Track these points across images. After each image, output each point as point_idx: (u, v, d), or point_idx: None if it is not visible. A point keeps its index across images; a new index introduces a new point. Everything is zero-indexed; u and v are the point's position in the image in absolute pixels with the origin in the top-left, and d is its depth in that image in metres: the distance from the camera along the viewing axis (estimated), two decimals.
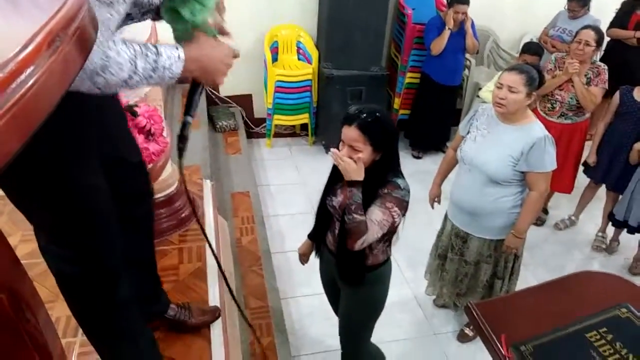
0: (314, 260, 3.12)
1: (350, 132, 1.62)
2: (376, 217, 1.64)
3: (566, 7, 3.93)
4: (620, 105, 3.10)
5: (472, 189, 2.29)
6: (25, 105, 0.31)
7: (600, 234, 3.53)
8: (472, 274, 2.52)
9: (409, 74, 4.28)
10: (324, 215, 1.88)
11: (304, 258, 2.17)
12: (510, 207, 2.27)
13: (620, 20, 4.08)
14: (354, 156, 1.62)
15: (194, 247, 2.17)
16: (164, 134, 1.95)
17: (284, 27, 4.21)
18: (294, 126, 4.60)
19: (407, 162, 4.25)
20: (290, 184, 4.00)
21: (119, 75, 0.92)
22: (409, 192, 1.71)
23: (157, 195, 2.06)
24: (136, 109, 1.83)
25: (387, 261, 1.89)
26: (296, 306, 2.90)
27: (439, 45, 3.81)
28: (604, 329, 1.25)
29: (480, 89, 4.34)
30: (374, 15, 3.89)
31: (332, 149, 1.64)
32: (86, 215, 1.15)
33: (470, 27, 3.87)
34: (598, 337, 1.23)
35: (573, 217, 3.71)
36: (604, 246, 3.50)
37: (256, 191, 3.65)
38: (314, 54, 4.15)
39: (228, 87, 4.30)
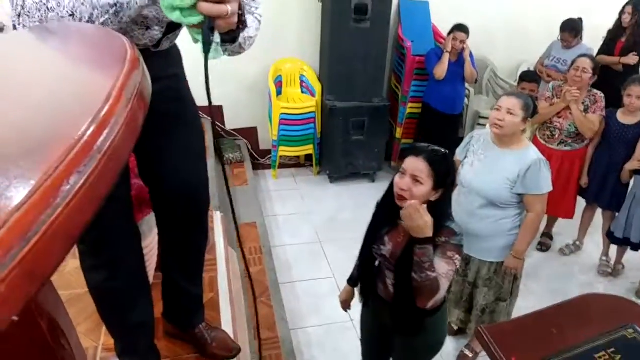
0: (321, 290, 3.17)
1: (416, 163, 1.60)
2: (442, 269, 1.57)
3: (559, 38, 4.06)
4: (605, 127, 3.21)
5: (471, 212, 2.35)
6: (113, 153, 0.37)
7: (604, 258, 3.55)
8: (471, 295, 2.57)
9: (410, 104, 4.38)
10: (370, 262, 1.81)
11: (345, 305, 2.09)
12: (509, 229, 2.33)
13: (607, 47, 4.23)
14: (413, 188, 1.59)
15: (206, 278, 2.21)
16: None
17: (287, 61, 4.34)
18: (298, 157, 4.68)
19: None
20: (297, 213, 4.05)
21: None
22: (463, 235, 1.66)
23: None
24: None
25: (444, 303, 1.82)
26: (305, 336, 2.91)
27: (441, 69, 3.92)
28: (612, 349, 1.28)
29: (481, 117, 4.45)
30: (375, 48, 4.01)
31: (410, 202, 1.54)
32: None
33: (468, 57, 3.99)
34: (607, 357, 1.26)
35: (578, 242, 3.74)
36: (609, 270, 3.52)
37: (263, 222, 3.70)
38: (317, 87, 4.27)
39: (234, 120, 4.42)
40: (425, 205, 1.55)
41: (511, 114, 2.19)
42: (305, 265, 3.43)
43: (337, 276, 3.30)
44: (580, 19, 4.03)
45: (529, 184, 2.20)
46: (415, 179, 1.59)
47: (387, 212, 1.73)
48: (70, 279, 1.97)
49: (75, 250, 1.82)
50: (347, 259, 3.33)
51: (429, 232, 1.54)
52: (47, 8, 0.87)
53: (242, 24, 1.08)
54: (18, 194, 0.30)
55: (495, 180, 2.25)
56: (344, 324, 2.88)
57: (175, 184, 1.43)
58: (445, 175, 1.62)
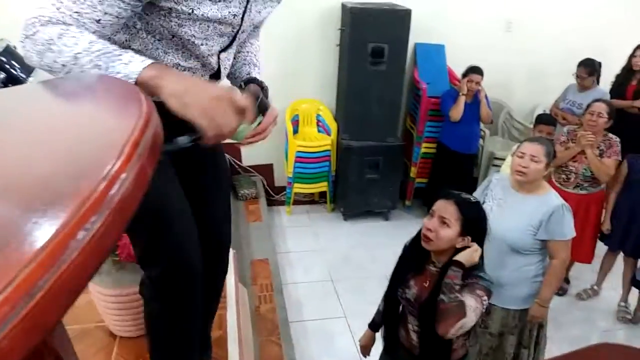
0: (332, 330, 3.13)
1: (446, 205, 1.63)
2: (470, 303, 1.55)
3: (574, 74, 4.08)
4: (629, 173, 3.18)
5: (493, 260, 2.28)
6: (120, 208, 0.39)
7: (622, 303, 3.46)
8: (497, 345, 2.48)
9: (424, 144, 4.41)
10: (394, 306, 1.79)
11: (365, 351, 2.04)
12: (533, 276, 2.29)
13: (617, 91, 4.23)
14: (440, 230, 1.61)
15: (215, 315, 2.20)
16: None
17: (304, 102, 4.44)
18: (313, 194, 4.71)
19: None
20: (309, 250, 4.04)
21: (72, 48, 0.90)
22: (492, 282, 1.65)
23: None
24: None
25: (467, 355, 1.79)
26: None
27: (457, 111, 3.97)
28: None
29: (496, 158, 4.45)
30: (390, 90, 4.08)
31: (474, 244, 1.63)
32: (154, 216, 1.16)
33: (484, 98, 4.04)
34: None
35: (595, 287, 3.65)
36: (629, 317, 3.42)
37: (275, 258, 3.70)
38: (333, 126, 4.33)
39: (250, 156, 4.50)
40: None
41: (535, 160, 2.18)
42: (317, 304, 3.40)
43: (348, 316, 3.26)
44: (599, 63, 4.05)
45: (552, 230, 2.17)
46: (443, 221, 1.61)
47: (415, 256, 1.73)
48: (80, 312, 1.98)
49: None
50: (359, 299, 3.32)
51: (470, 262, 1.59)
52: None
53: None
54: (27, 250, 0.32)
55: (517, 226, 2.22)
56: None
57: (209, 225, 1.45)
58: (473, 222, 1.63)
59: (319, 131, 4.51)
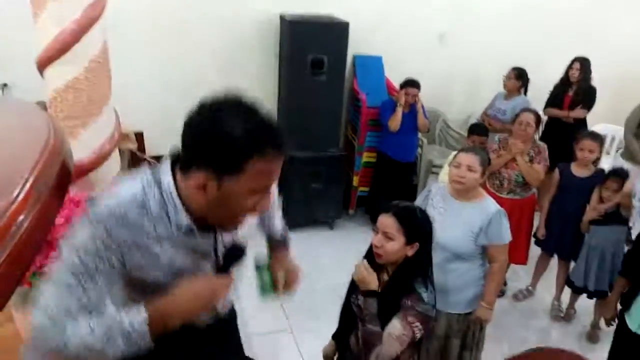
0: (278, 344, 3.08)
1: (385, 220, 1.68)
2: (396, 331, 1.59)
3: (504, 75, 4.28)
4: (560, 180, 3.35)
5: (437, 266, 2.34)
6: (17, 252, 0.35)
7: (555, 302, 3.64)
8: (442, 349, 2.54)
9: (365, 154, 4.47)
10: (349, 314, 1.82)
11: None
12: (476, 280, 2.37)
13: (554, 100, 4.49)
14: (385, 244, 1.65)
15: None
16: None
17: None
18: None
19: (370, 238, 4.31)
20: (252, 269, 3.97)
21: (80, 343, 1.00)
22: (433, 306, 1.67)
23: None
24: None
25: None
26: None
27: (395, 122, 4.07)
28: None
29: (434, 166, 4.58)
30: (331, 100, 4.12)
31: (357, 264, 1.71)
32: None
33: (420, 108, 4.16)
34: None
35: (530, 288, 3.82)
36: (561, 314, 3.59)
37: None
38: None
39: None
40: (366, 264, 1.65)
41: (471, 170, 2.27)
42: (262, 318, 3.33)
43: (294, 330, 3.23)
44: (528, 78, 4.27)
45: (491, 236, 2.27)
46: (386, 235, 1.66)
47: (370, 265, 1.77)
48: (5, 343, 1.86)
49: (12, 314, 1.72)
50: (305, 311, 3.29)
51: (371, 285, 1.64)
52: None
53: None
54: None
55: (459, 233, 2.30)
56: None
57: None
58: (416, 229, 1.67)
59: None
